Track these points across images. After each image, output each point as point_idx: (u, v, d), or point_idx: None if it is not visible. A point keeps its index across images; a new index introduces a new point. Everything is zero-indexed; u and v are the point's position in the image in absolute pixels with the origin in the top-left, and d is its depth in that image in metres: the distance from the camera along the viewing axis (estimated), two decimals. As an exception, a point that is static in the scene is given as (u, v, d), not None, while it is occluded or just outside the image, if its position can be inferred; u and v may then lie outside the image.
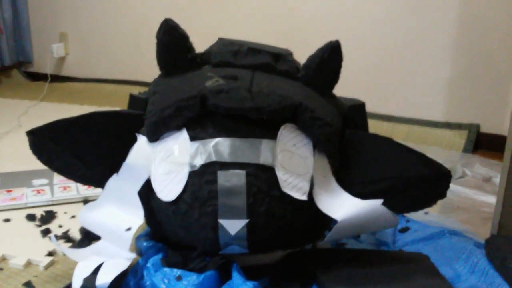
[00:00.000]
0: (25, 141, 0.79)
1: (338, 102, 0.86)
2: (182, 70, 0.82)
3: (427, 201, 0.80)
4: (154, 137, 0.78)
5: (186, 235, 0.75)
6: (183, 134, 0.75)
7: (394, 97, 1.88)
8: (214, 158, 0.72)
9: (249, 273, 0.77)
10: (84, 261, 0.78)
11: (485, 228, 1.08)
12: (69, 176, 0.83)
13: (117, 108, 1.97)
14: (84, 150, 0.81)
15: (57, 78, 2.41)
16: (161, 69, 0.85)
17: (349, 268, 0.80)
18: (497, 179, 1.35)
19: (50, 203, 1.09)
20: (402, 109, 1.87)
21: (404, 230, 0.99)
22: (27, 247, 0.92)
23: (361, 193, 0.78)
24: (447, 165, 1.42)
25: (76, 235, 0.96)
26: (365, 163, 0.80)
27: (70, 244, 0.93)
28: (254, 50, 0.85)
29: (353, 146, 0.81)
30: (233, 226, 0.71)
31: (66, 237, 0.95)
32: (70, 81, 2.39)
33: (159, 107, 0.77)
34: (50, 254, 0.89)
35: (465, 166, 1.42)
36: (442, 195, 0.79)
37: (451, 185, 1.29)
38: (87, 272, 0.75)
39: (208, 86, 0.76)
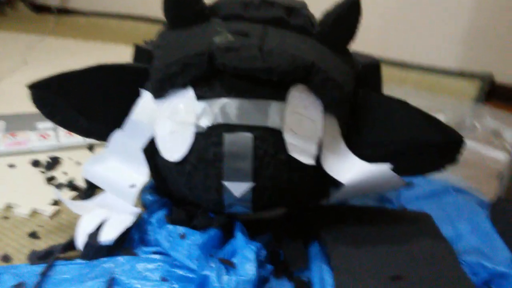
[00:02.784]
0: (31, 80, 0.76)
1: (352, 59, 0.82)
2: (190, 23, 0.78)
3: (438, 165, 0.78)
4: (159, 94, 0.75)
5: (190, 194, 0.75)
6: (189, 93, 0.73)
7: (408, 42, 1.82)
8: (220, 120, 0.70)
9: (251, 228, 0.77)
10: (88, 215, 0.79)
11: (490, 186, 1.08)
12: (72, 129, 0.81)
13: (122, 46, 1.96)
14: (87, 104, 0.78)
15: (62, 11, 2.33)
16: (167, 20, 0.80)
17: (351, 227, 0.80)
18: (507, 133, 1.33)
19: (56, 148, 1.09)
20: (415, 55, 1.82)
21: (407, 185, 0.99)
22: (32, 195, 0.92)
23: (370, 155, 0.77)
24: (457, 115, 1.41)
25: (81, 183, 0.96)
26: (377, 125, 0.78)
27: (75, 193, 0.93)
28: (266, 2, 0.80)
29: (366, 107, 0.79)
30: (238, 188, 0.70)
31: (71, 185, 0.95)
32: (76, 14, 2.32)
33: (164, 63, 0.74)
34: (55, 203, 0.90)
35: (475, 118, 1.39)
36: (454, 160, 0.77)
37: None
38: (91, 226, 0.76)
39: (217, 43, 0.72)
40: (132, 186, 0.77)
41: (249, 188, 0.70)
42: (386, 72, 1.84)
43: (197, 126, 0.71)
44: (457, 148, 0.76)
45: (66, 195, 0.92)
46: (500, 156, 1.20)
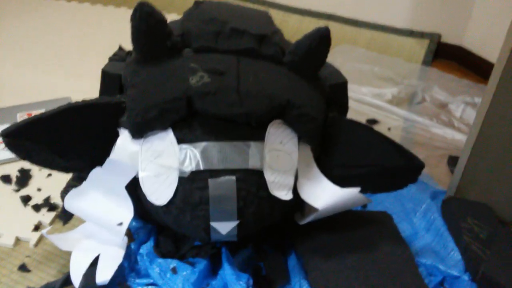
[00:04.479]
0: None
1: (322, 84, 0.85)
2: (161, 57, 0.78)
3: (399, 185, 0.86)
4: (138, 136, 0.76)
5: (178, 229, 0.79)
6: (170, 136, 0.74)
7: (361, 0, 1.83)
8: (203, 166, 0.73)
9: (232, 243, 0.84)
10: (78, 250, 0.82)
11: (440, 169, 1.19)
12: (51, 168, 0.81)
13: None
14: (62, 145, 0.78)
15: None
16: (137, 55, 0.79)
17: (322, 236, 0.89)
18: (452, 105, 1.43)
19: (21, 157, 1.07)
20: (367, 14, 1.84)
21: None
22: (11, 219, 0.93)
23: (340, 176, 0.84)
24: (409, 86, 1.48)
25: (58, 200, 0.97)
26: (345, 149, 0.84)
27: (54, 213, 0.95)
28: (237, 31, 0.80)
29: (335, 131, 0.84)
30: (225, 227, 0.75)
31: (48, 204, 0.96)
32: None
33: (141, 106, 0.74)
34: (37, 227, 0.92)
35: (424, 91, 1.48)
36: (414, 180, 0.85)
37: (410, 114, 1.39)
38: (85, 265, 0.79)
39: (193, 86, 0.73)
40: (120, 224, 0.80)
41: (234, 225, 0.75)
42: (339, 31, 1.89)
43: (181, 171, 0.73)
44: (418, 171, 0.83)
45: (45, 217, 0.94)
46: (446, 133, 1.31)
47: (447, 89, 1.49)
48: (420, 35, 1.77)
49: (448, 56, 1.75)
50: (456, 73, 1.65)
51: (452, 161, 1.17)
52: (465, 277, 0.85)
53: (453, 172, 1.04)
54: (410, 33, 1.79)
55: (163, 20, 0.76)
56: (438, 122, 1.35)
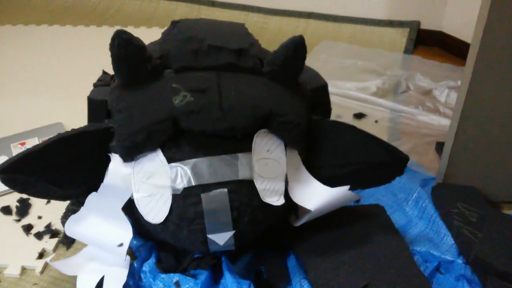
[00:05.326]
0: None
1: (302, 89, 0.88)
2: (144, 81, 0.80)
3: (387, 179, 0.89)
4: (129, 159, 0.79)
5: (176, 244, 0.82)
6: (159, 156, 0.77)
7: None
8: (195, 182, 0.75)
9: (231, 251, 0.86)
10: (83, 274, 0.84)
11: (429, 156, 1.22)
12: (48, 198, 0.84)
13: (76, 26, 1.88)
14: (56, 175, 0.80)
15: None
16: (120, 80, 0.81)
17: (318, 235, 0.91)
18: (436, 91, 1.46)
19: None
20: (346, 8, 1.86)
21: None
22: (15, 249, 0.95)
23: (328, 176, 0.86)
24: (393, 77, 1.50)
25: (59, 225, 1.00)
26: (331, 149, 0.86)
27: (56, 239, 0.97)
28: (214, 48, 0.82)
29: (319, 133, 0.86)
30: (222, 238, 0.78)
31: (50, 231, 0.99)
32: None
33: (129, 130, 0.77)
34: (41, 255, 0.94)
35: (408, 80, 1.50)
36: (401, 173, 0.87)
37: (395, 105, 1.41)
38: (90, 286, 0.81)
39: (177, 106, 0.75)
40: (120, 244, 0.82)
41: (231, 235, 0.78)
42: (320, 28, 1.91)
43: (174, 189, 0.76)
44: (403, 163, 0.86)
45: (48, 243, 0.96)
46: (434, 119, 1.34)
47: (430, 75, 1.52)
48: (400, 24, 1.80)
49: (429, 43, 1.78)
50: (438, 59, 1.68)
51: (440, 147, 1.20)
52: (459, 260, 0.87)
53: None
54: (390, 23, 1.81)
55: (142, 46, 0.78)
56: (423, 110, 1.38)
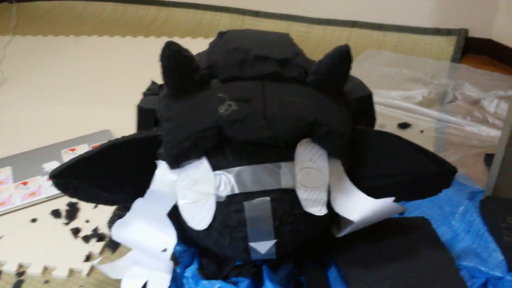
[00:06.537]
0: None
1: (347, 98, 0.87)
2: (191, 90, 0.82)
3: (433, 191, 0.87)
4: (175, 166, 0.80)
5: (219, 251, 0.83)
6: (204, 163, 0.78)
7: (384, 4, 1.83)
8: (238, 190, 0.76)
9: (272, 260, 0.86)
10: (127, 277, 0.86)
11: (478, 168, 1.18)
12: (97, 203, 0.87)
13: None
14: (106, 181, 0.83)
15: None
16: (169, 90, 0.84)
17: (361, 247, 0.90)
18: (485, 101, 1.41)
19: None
20: (392, 16, 1.84)
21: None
22: (63, 252, 0.99)
23: (372, 187, 0.85)
24: (439, 86, 1.47)
25: (105, 229, 1.03)
26: (376, 160, 0.85)
27: (102, 242, 1.00)
28: (260, 58, 0.83)
29: (363, 143, 0.85)
30: (264, 247, 0.78)
31: (97, 235, 1.02)
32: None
33: (176, 138, 0.78)
34: (88, 258, 0.97)
35: (455, 89, 1.46)
36: (447, 186, 0.85)
37: (442, 114, 1.38)
38: (134, 291, 0.84)
39: (222, 115, 0.77)
40: (164, 250, 0.84)
41: (273, 244, 0.78)
42: (365, 37, 1.89)
43: (217, 196, 0.77)
44: (450, 176, 0.84)
45: (95, 247, 0.99)
46: (482, 130, 1.29)
47: (479, 84, 1.47)
48: (447, 32, 1.76)
49: (478, 51, 1.73)
50: (487, 68, 1.63)
51: (489, 158, 1.16)
52: (509, 277, 0.84)
53: (490, 170, 1.03)
54: (437, 31, 1.78)
55: (190, 56, 0.80)
56: (471, 120, 1.34)
